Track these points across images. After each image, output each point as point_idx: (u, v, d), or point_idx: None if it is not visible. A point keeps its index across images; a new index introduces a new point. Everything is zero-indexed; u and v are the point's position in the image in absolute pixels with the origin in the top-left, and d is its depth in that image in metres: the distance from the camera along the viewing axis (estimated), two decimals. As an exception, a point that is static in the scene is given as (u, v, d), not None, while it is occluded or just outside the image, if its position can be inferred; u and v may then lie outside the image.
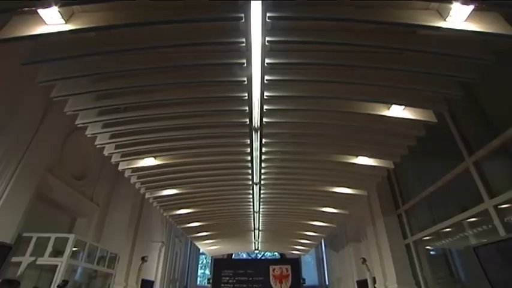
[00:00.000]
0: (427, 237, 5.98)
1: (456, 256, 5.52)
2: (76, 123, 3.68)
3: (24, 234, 4.60)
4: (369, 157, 4.74)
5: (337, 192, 5.82)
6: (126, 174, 4.98)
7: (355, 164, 4.80)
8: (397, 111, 3.64)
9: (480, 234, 4.53)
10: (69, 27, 2.47)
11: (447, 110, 4.58)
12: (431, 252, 6.13)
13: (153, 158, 4.64)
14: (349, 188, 5.74)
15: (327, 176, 5.36)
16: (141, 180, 5.19)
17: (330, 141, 4.38)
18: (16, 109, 4.31)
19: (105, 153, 4.32)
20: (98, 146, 4.17)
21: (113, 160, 4.52)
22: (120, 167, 4.75)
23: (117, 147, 4.28)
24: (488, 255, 3.62)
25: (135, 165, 4.75)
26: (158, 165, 4.76)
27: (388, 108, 3.64)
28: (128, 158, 4.57)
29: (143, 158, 4.61)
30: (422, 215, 6.17)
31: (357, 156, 4.71)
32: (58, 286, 3.55)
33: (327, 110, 3.69)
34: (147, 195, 5.82)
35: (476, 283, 4.77)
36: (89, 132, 3.90)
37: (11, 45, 2.78)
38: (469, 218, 4.67)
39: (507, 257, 3.47)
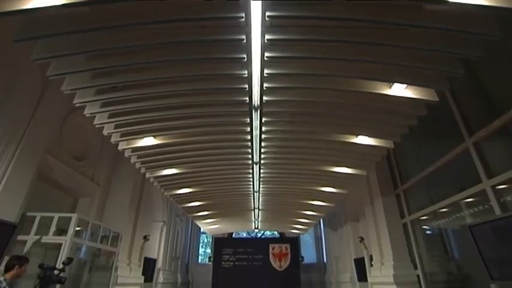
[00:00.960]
0: (424, 217, 6.10)
1: (451, 235, 5.66)
2: (74, 102, 3.64)
3: (28, 214, 4.65)
4: (369, 137, 4.73)
5: (337, 172, 5.86)
6: (126, 154, 4.98)
7: (355, 143, 4.80)
8: (399, 89, 3.60)
9: (476, 215, 4.61)
10: (61, 1, 2.38)
11: (449, 90, 4.57)
12: (428, 232, 6.27)
13: (152, 138, 4.62)
14: (348, 167, 5.77)
15: (327, 156, 5.37)
16: (141, 160, 5.20)
17: (330, 120, 4.36)
18: (12, 88, 4.26)
19: (105, 132, 4.31)
20: (96, 126, 4.15)
21: (112, 140, 4.51)
22: (119, 147, 4.75)
23: (116, 126, 4.26)
24: (483, 234, 3.72)
25: (134, 145, 4.75)
26: (158, 144, 4.75)
27: (390, 87, 3.59)
28: (128, 138, 4.56)
29: (142, 137, 4.60)
30: (420, 195, 6.26)
31: (357, 135, 4.70)
32: (63, 263, 3.64)
33: (328, 88, 3.64)
34: (147, 175, 5.86)
35: (469, 261, 4.94)
36: (87, 112, 3.86)
37: (2, 21, 2.69)
38: (466, 198, 4.74)
39: (501, 236, 3.55)
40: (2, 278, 3.28)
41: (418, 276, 6.03)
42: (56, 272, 3.53)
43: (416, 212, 6.23)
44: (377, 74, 3.37)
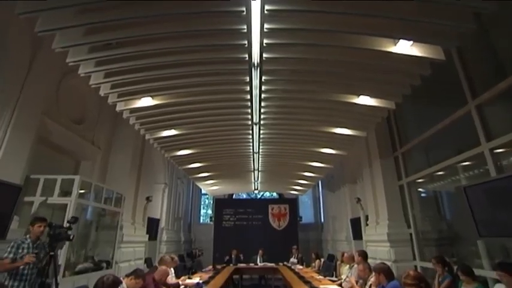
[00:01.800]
0: (421, 180, 6.23)
1: (445, 198, 5.85)
2: (67, 61, 3.50)
3: (32, 176, 4.76)
4: (371, 97, 4.65)
5: (337, 133, 5.85)
6: (125, 115, 4.92)
7: (356, 103, 4.73)
8: (404, 47, 3.45)
9: (471, 178, 4.69)
10: None
11: (456, 48, 4.41)
12: (423, 194, 6.45)
13: (150, 98, 4.54)
14: (348, 128, 5.75)
15: (327, 116, 5.32)
16: (140, 121, 5.15)
17: (332, 79, 4.24)
18: (3, 48, 4.10)
19: (101, 93, 4.21)
20: (92, 86, 4.04)
21: (109, 101, 4.43)
22: (117, 108, 4.68)
23: (112, 86, 4.15)
24: (476, 194, 3.86)
25: (132, 106, 4.67)
26: (156, 105, 4.67)
27: (395, 44, 3.44)
28: (125, 98, 4.47)
29: (140, 97, 4.51)
30: (418, 158, 6.33)
31: (359, 95, 4.61)
32: (68, 222, 3.78)
33: (330, 45, 3.49)
34: (147, 137, 5.84)
35: (460, 221, 5.16)
36: (81, 71, 3.73)
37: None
38: (464, 161, 4.79)
39: (492, 197, 3.68)
40: (26, 237, 3.58)
41: (410, 234, 6.31)
42: (63, 230, 3.67)
43: (413, 174, 6.34)
44: (382, 29, 3.21)
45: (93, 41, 3.27)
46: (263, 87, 4.32)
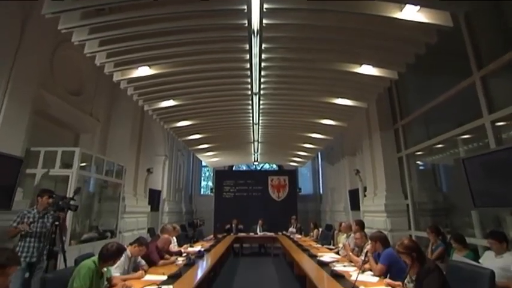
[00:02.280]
0: (420, 152, 6.26)
1: (443, 171, 5.92)
2: (59, 28, 3.36)
3: (32, 149, 4.78)
4: (373, 66, 4.53)
5: (337, 104, 5.78)
6: (122, 86, 4.82)
7: (358, 73, 4.62)
8: (410, 12, 3.29)
9: (470, 151, 4.70)
10: None
11: (464, 15, 4.22)
12: (421, 167, 6.51)
13: (147, 67, 4.41)
14: (349, 99, 5.67)
15: (328, 86, 5.22)
16: (138, 91, 5.05)
17: (333, 46, 4.11)
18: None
19: (97, 62, 4.08)
20: (88, 56, 3.92)
21: (106, 70, 4.31)
22: (114, 78, 4.57)
23: (108, 55, 4.02)
24: (473, 166, 3.92)
25: (129, 76, 4.56)
26: (154, 74, 4.56)
27: (401, 10, 3.29)
28: (122, 68, 4.35)
29: (137, 67, 4.38)
30: (418, 131, 6.32)
31: (361, 64, 4.49)
32: (74, 192, 3.86)
33: (333, 10, 3.33)
34: (145, 108, 5.77)
35: (455, 192, 5.26)
36: (75, 39, 3.59)
37: None
38: (464, 135, 4.77)
39: (489, 169, 3.73)
40: (31, 208, 3.81)
41: (407, 205, 6.44)
42: (66, 200, 3.74)
43: (413, 146, 6.35)
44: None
45: (84, 6, 3.12)
46: (263, 56, 4.19)
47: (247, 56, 4.19)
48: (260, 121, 6.96)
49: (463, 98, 4.77)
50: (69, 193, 4.54)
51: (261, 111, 6.31)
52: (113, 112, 7.37)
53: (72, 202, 3.77)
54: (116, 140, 7.20)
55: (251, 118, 6.77)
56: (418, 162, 6.52)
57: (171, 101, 5.66)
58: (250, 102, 5.85)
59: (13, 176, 3.97)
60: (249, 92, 5.39)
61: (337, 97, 5.60)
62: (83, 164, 5.24)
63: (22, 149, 4.38)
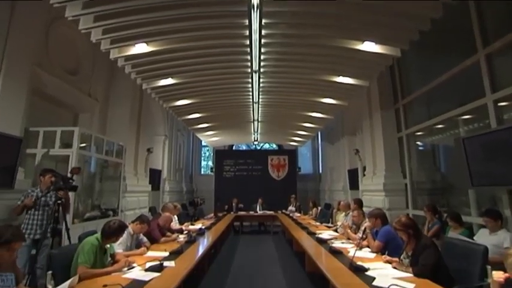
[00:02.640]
0: (420, 133, 6.25)
1: (442, 151, 5.96)
2: (50, 2, 3.25)
3: (31, 129, 4.75)
4: (376, 43, 4.41)
5: (339, 82, 5.69)
6: (120, 64, 4.72)
7: (360, 50, 4.51)
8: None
9: (470, 132, 4.68)
10: None
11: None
12: (420, 148, 6.52)
13: (145, 44, 4.30)
14: (351, 77, 5.58)
15: (330, 64, 5.12)
16: (136, 69, 4.95)
17: (335, 22, 3.98)
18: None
19: (93, 39, 3.97)
20: (83, 32, 3.81)
21: (102, 47, 4.20)
22: (111, 56, 4.46)
23: (104, 32, 3.90)
24: (473, 146, 3.95)
25: (127, 53, 4.45)
26: (151, 52, 4.44)
27: (406, -18, 3.18)
28: (118, 45, 4.23)
29: (134, 44, 4.26)
30: (420, 111, 6.28)
31: (363, 41, 4.38)
32: (71, 172, 3.89)
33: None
34: (144, 86, 5.67)
35: (453, 172, 5.30)
36: (68, 15, 3.47)
37: None
38: (465, 115, 4.74)
39: (489, 149, 3.75)
40: (34, 188, 3.88)
41: (405, 184, 6.50)
42: (67, 179, 3.77)
43: (413, 126, 6.32)
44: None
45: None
46: (263, 32, 4.07)
47: (247, 32, 4.07)
48: (260, 100, 6.88)
49: (465, 78, 4.70)
50: (69, 172, 4.56)
51: (260, 89, 6.22)
52: (111, 91, 7.27)
53: (71, 181, 3.81)
54: (115, 120, 7.16)
55: (251, 97, 6.69)
56: (418, 142, 6.53)
57: (170, 79, 5.56)
58: (250, 80, 5.75)
59: (13, 156, 3.98)
60: (249, 70, 5.28)
61: (339, 75, 5.50)
62: (83, 145, 5.23)
63: (21, 129, 4.35)
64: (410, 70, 6.64)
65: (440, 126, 5.61)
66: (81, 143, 5.07)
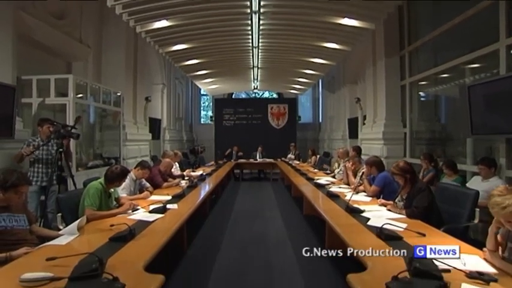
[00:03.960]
0: (424, 82, 6.07)
1: (444, 101, 5.89)
2: None
3: (24, 77, 4.62)
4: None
5: (343, 25, 5.39)
6: (109, 4, 4.39)
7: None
8: None
9: (476, 81, 4.51)
10: None
11: None
12: (422, 98, 6.41)
13: (135, -19, 3.98)
14: (356, 19, 5.26)
15: (334, 4, 4.79)
16: (127, 10, 4.62)
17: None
18: None
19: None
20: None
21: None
22: (100, -5, 4.15)
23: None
24: (478, 94, 3.85)
25: (116, -9, 4.15)
26: (143, -11, 4.14)
27: None
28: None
29: (123, -20, 3.95)
30: (426, 58, 6.03)
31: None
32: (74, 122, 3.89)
33: None
34: (138, 30, 5.36)
35: (454, 122, 5.26)
36: None
37: None
38: (474, 63, 4.54)
39: (494, 97, 3.66)
40: (35, 137, 3.90)
41: (404, 133, 6.51)
42: (67, 128, 3.78)
43: (418, 74, 6.11)
44: None
45: None
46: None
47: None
48: (260, 44, 6.59)
49: (477, 23, 4.43)
50: (69, 121, 4.55)
51: (260, 32, 5.92)
52: (104, 37, 6.87)
53: (73, 130, 3.82)
54: (110, 68, 6.89)
55: (250, 41, 6.40)
56: (421, 92, 6.39)
57: (165, 21, 5.23)
58: (249, 22, 5.44)
59: (9, 105, 3.91)
60: (248, 11, 4.97)
61: (343, 16, 5.18)
62: (80, 95, 5.14)
63: (12, 77, 4.22)
64: (420, 13, 6.21)
65: (445, 75, 5.43)
66: (77, 94, 4.97)
